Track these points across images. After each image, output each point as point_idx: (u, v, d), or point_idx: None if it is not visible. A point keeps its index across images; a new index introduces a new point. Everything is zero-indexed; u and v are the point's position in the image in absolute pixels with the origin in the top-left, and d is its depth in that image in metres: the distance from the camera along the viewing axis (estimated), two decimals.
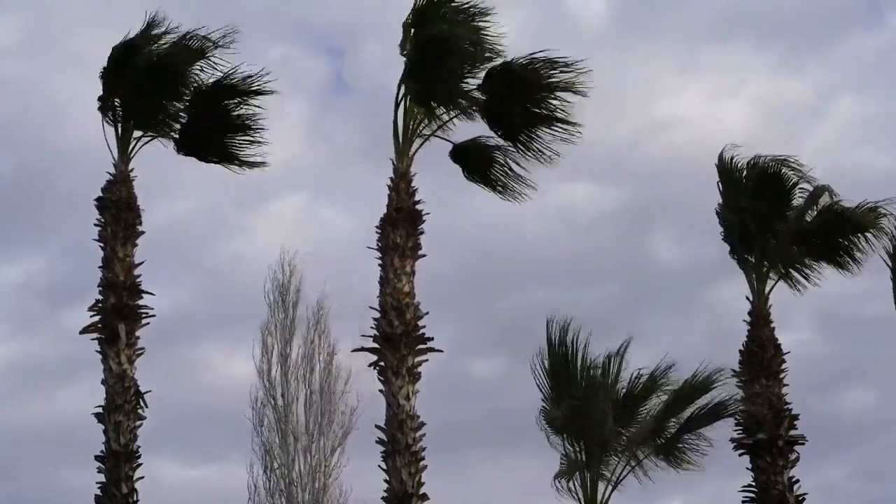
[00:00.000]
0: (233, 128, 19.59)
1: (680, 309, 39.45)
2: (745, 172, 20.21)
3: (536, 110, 18.71)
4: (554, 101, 18.57)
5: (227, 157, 19.79)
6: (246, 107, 19.37)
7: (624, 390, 18.99)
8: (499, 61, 18.38)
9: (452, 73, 18.37)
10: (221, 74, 19.08)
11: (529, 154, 18.98)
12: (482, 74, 18.45)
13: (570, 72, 18.15)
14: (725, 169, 20.31)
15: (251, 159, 19.76)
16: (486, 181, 19.37)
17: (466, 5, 18.30)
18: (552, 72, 18.30)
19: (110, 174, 18.71)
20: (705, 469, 19.13)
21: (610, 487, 18.49)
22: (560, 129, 18.68)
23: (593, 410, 18.45)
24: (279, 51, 43.77)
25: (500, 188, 19.38)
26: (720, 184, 20.39)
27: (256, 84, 19.10)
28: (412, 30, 18.36)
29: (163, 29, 18.78)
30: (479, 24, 18.32)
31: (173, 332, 32.74)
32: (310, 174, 43.06)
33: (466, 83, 18.55)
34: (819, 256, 20.52)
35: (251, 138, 19.61)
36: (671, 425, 18.92)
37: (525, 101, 18.64)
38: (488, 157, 19.25)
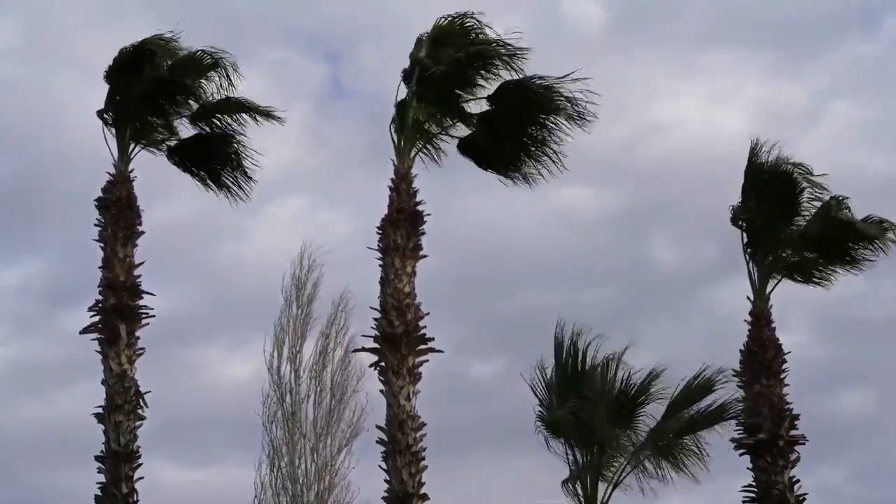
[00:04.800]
0: (227, 158, 19.71)
1: (678, 311, 39.52)
2: (761, 173, 20.33)
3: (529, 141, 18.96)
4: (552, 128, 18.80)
5: (215, 181, 19.93)
6: (243, 130, 19.55)
7: (620, 390, 18.92)
8: (504, 78, 18.62)
9: (463, 85, 18.68)
10: (225, 92, 19.25)
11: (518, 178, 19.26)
12: (488, 85, 18.74)
13: (572, 100, 18.36)
14: (753, 171, 20.36)
15: (234, 189, 19.92)
16: (503, 166, 19.36)
17: (484, 28, 18.56)
18: (555, 96, 18.46)
19: (110, 174, 18.75)
20: (707, 472, 19.05)
21: (610, 488, 18.47)
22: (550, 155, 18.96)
23: (594, 412, 18.42)
24: (277, 55, 43.90)
25: (517, 170, 19.36)
26: (744, 186, 20.45)
27: (260, 106, 19.21)
28: (430, 41, 18.49)
29: (173, 40, 18.83)
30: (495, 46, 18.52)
31: (172, 333, 32.74)
32: (308, 177, 43.13)
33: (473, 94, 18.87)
34: (825, 260, 20.63)
35: (240, 169, 19.77)
36: (672, 426, 18.87)
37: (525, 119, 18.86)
38: (500, 142, 19.28)
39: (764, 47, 46.84)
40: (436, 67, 18.27)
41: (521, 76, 18.49)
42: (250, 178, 19.82)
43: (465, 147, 19.33)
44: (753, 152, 20.41)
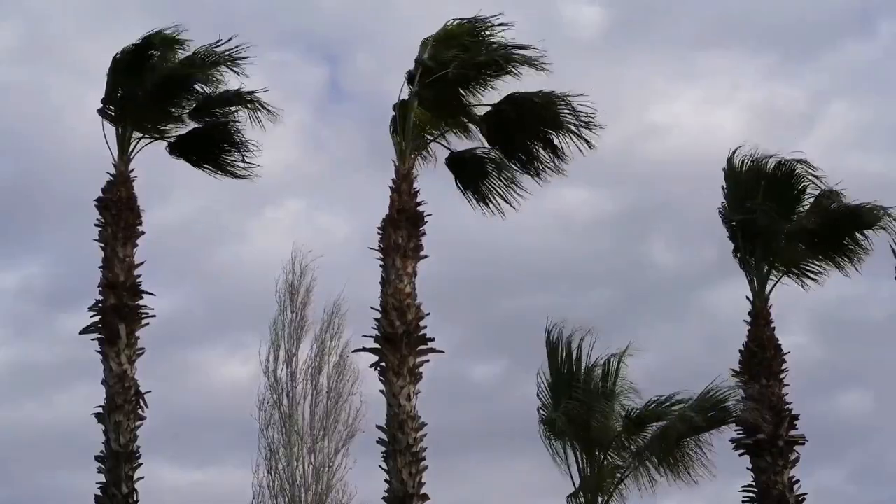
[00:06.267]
0: (228, 138, 19.71)
1: (676, 312, 39.54)
2: (755, 172, 20.33)
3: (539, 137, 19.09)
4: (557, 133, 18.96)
5: (217, 165, 19.97)
6: (243, 118, 19.52)
7: (637, 411, 18.82)
8: (510, 88, 18.76)
9: (467, 89, 18.80)
10: (226, 86, 19.31)
11: (525, 168, 19.33)
12: (491, 94, 18.89)
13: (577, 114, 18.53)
14: (733, 171, 20.43)
15: (240, 171, 19.96)
16: (476, 193, 19.66)
17: (492, 34, 18.61)
18: (560, 110, 18.61)
19: (110, 174, 18.75)
20: (712, 475, 19.03)
21: (612, 488, 18.46)
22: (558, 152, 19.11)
23: (594, 413, 18.42)
24: (276, 56, 43.86)
25: (488, 202, 19.65)
26: (725, 185, 20.50)
27: (257, 98, 19.22)
28: (436, 43, 18.53)
29: (175, 37, 18.83)
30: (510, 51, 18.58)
31: (172, 334, 32.78)
32: (308, 180, 43.17)
33: (477, 99, 18.99)
34: (821, 255, 20.61)
35: (244, 151, 19.80)
36: (673, 431, 18.80)
37: (529, 129, 18.99)
38: (483, 170, 19.54)
39: (761, 49, 46.96)
40: (444, 70, 18.30)
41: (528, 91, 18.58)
42: (252, 152, 19.84)
43: (451, 162, 19.53)
44: (732, 160, 20.50)
